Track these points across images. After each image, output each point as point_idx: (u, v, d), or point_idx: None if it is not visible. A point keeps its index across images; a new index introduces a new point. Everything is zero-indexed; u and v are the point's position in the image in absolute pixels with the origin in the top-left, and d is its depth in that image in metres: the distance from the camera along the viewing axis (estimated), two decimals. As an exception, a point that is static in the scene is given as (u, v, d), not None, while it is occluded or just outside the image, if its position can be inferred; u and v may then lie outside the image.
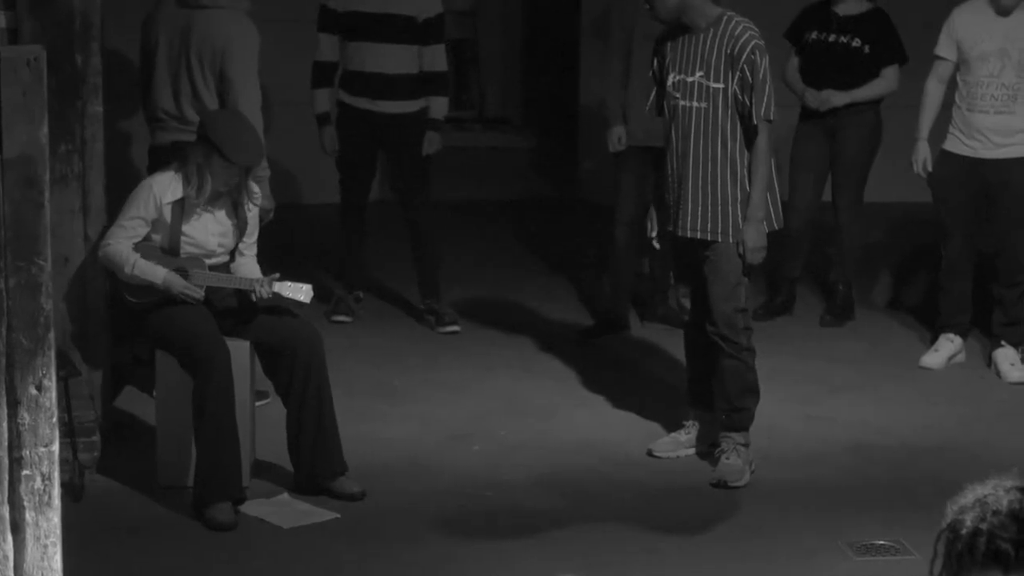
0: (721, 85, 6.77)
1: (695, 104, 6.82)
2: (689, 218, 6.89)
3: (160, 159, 7.38)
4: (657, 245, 8.68)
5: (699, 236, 6.88)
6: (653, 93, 7.10)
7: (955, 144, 8.25)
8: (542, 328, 8.86)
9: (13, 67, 4.43)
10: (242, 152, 6.54)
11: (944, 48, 8.26)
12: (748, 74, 6.72)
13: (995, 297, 8.41)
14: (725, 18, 6.81)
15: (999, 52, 8.10)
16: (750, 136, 6.79)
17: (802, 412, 7.76)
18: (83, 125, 6.85)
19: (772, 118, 6.78)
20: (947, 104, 8.32)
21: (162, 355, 6.70)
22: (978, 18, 8.17)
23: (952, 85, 8.29)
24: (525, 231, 10.77)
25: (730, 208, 6.83)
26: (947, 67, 8.27)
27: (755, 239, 6.83)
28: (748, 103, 6.74)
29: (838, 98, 8.78)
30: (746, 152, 6.81)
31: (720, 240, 6.86)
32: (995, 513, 2.66)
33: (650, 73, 7.10)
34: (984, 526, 2.65)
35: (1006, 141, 8.15)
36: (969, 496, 2.71)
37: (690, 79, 6.83)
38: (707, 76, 6.79)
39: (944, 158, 8.29)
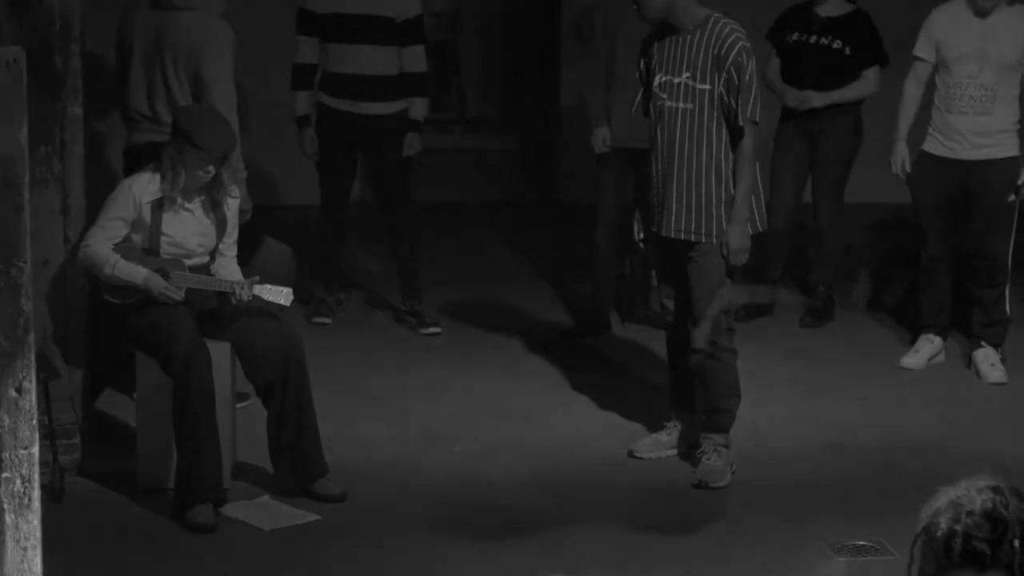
0: (707, 86, 6.77)
1: (681, 105, 6.82)
2: (673, 219, 6.89)
3: (135, 160, 7.36)
4: (643, 247, 8.69)
5: (683, 237, 6.88)
6: (639, 94, 7.10)
7: (934, 145, 8.26)
8: (523, 329, 8.86)
9: (-8, 69, 4.41)
10: (213, 138, 6.53)
11: (923, 49, 8.27)
12: (734, 75, 6.72)
13: (974, 298, 8.41)
14: (712, 19, 6.80)
15: (978, 53, 8.11)
16: (735, 138, 6.80)
17: (782, 413, 7.76)
18: (63, 127, 6.83)
19: (758, 120, 6.78)
20: (926, 105, 8.33)
21: (142, 357, 6.70)
22: (957, 19, 8.18)
23: (931, 86, 8.30)
24: (506, 232, 10.77)
25: (714, 209, 6.83)
26: (926, 68, 8.28)
27: (739, 240, 6.83)
28: (734, 104, 6.74)
29: (817, 99, 8.79)
30: (731, 153, 6.81)
31: (704, 241, 6.86)
32: (969, 514, 2.66)
33: (636, 74, 7.10)
34: (959, 527, 2.66)
35: (984, 142, 8.16)
36: (942, 498, 2.72)
37: (676, 80, 6.82)
38: (693, 77, 6.79)
39: (923, 159, 8.30)
